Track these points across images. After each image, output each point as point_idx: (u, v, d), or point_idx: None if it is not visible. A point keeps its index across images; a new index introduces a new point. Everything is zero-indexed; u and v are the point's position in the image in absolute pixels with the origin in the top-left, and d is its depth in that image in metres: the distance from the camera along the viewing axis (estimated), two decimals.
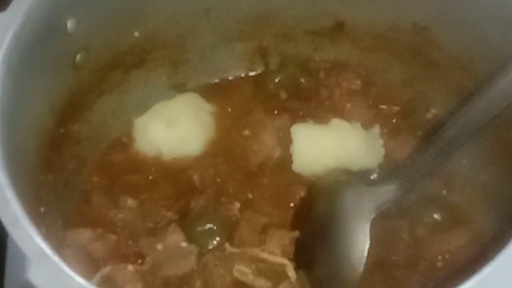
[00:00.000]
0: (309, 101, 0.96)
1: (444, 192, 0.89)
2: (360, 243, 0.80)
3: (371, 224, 0.81)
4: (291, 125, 0.93)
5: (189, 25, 0.93)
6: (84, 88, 0.86)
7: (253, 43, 0.98)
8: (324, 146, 0.90)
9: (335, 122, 0.92)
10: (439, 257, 0.83)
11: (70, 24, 0.78)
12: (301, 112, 0.95)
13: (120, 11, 0.84)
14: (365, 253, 0.79)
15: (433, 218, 0.86)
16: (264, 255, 0.81)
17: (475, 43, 0.82)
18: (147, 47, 0.91)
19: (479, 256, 0.79)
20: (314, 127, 0.92)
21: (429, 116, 0.94)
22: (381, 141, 0.92)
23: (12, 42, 0.69)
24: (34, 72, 0.74)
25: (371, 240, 0.80)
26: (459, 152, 0.81)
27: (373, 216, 0.81)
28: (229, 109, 0.97)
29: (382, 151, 0.91)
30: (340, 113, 0.94)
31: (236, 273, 0.80)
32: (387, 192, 0.81)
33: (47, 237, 0.60)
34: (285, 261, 0.81)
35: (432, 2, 0.84)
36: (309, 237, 0.84)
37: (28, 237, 0.59)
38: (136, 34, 0.89)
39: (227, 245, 0.83)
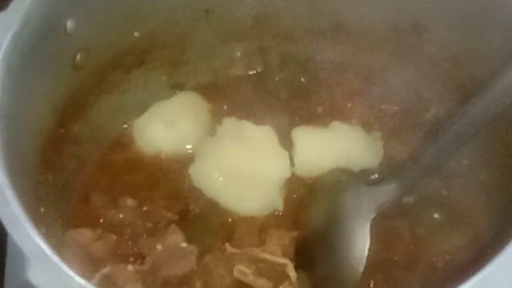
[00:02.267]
0: (309, 100, 0.97)
1: (444, 192, 0.89)
2: (360, 243, 0.80)
3: (371, 224, 0.81)
4: (291, 124, 0.93)
5: (189, 25, 0.93)
6: (84, 88, 0.86)
7: (253, 43, 0.98)
8: (325, 148, 0.90)
9: (335, 124, 0.92)
10: (439, 257, 0.83)
11: (70, 24, 0.78)
12: (301, 112, 0.96)
13: (120, 11, 0.84)
14: (365, 253, 0.79)
15: (433, 218, 0.86)
16: (265, 255, 0.81)
17: (475, 43, 0.82)
18: (147, 47, 0.91)
19: (479, 256, 0.79)
20: (314, 130, 0.92)
21: (429, 116, 0.94)
22: (381, 143, 0.92)
23: (12, 42, 0.69)
24: (34, 72, 0.74)
25: (371, 240, 0.80)
26: (459, 152, 0.81)
27: (373, 216, 0.81)
28: (229, 108, 0.97)
29: (381, 153, 0.91)
30: (341, 113, 0.95)
31: (236, 274, 0.80)
32: (387, 192, 0.82)
33: (47, 237, 0.60)
34: (285, 261, 0.81)
35: (432, 2, 0.85)
36: (309, 237, 0.84)
37: (28, 237, 0.59)
38: (136, 34, 0.89)
39: (227, 245, 0.83)
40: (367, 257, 0.80)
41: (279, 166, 0.89)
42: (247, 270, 0.80)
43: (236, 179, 0.87)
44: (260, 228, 0.86)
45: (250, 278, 0.79)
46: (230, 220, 0.87)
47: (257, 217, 0.87)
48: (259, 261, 0.81)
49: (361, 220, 0.81)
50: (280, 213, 0.88)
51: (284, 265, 0.81)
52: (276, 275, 0.81)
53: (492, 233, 0.83)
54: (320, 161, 0.90)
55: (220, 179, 0.88)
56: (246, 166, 0.88)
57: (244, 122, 0.91)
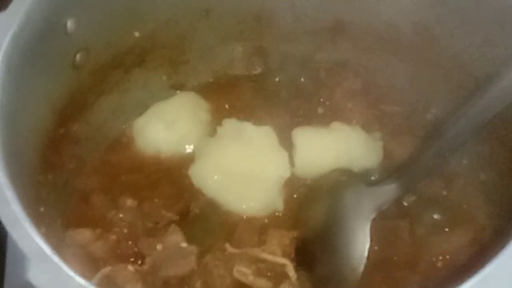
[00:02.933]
0: (309, 100, 0.97)
1: (444, 192, 0.89)
2: (360, 243, 0.80)
3: (371, 224, 0.81)
4: (291, 124, 0.93)
5: (189, 25, 0.93)
6: (84, 88, 0.86)
7: (253, 43, 0.98)
8: (325, 149, 0.90)
9: (336, 125, 0.92)
10: (439, 257, 0.83)
11: (70, 24, 0.78)
12: (301, 112, 0.96)
13: (120, 11, 0.84)
14: (366, 253, 0.79)
15: (433, 218, 0.86)
16: (265, 255, 0.82)
17: (475, 43, 0.82)
18: (147, 47, 0.91)
19: (479, 256, 0.80)
20: (314, 130, 0.92)
21: (429, 116, 0.94)
22: (381, 143, 0.92)
23: (12, 42, 0.69)
24: (34, 72, 0.74)
25: (371, 240, 0.80)
26: (459, 152, 0.81)
27: (373, 216, 0.81)
28: (229, 109, 0.97)
29: (381, 153, 0.91)
30: (341, 113, 0.95)
31: (236, 274, 0.80)
32: (387, 192, 0.82)
33: (47, 237, 0.60)
34: (285, 261, 0.81)
35: (432, 2, 0.85)
36: (309, 237, 0.84)
37: (28, 237, 0.59)
38: (136, 34, 0.89)
39: (227, 245, 0.83)
40: (367, 257, 0.80)
41: (279, 166, 0.89)
42: (247, 271, 0.80)
43: (236, 179, 0.87)
44: (260, 228, 0.86)
45: (250, 279, 0.79)
46: (230, 220, 0.87)
47: (257, 217, 0.87)
48: (259, 261, 0.81)
49: (361, 220, 0.81)
50: (280, 213, 0.88)
51: (284, 265, 0.81)
52: (276, 275, 0.81)
53: (492, 233, 0.83)
54: (320, 161, 0.90)
55: (221, 179, 0.88)
56: (246, 166, 0.88)
57: (244, 123, 0.92)
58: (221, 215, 0.87)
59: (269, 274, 0.81)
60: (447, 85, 0.90)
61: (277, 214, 0.88)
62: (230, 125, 0.92)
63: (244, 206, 0.87)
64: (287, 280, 0.80)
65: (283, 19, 0.95)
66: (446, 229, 0.85)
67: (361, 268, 0.79)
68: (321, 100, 0.97)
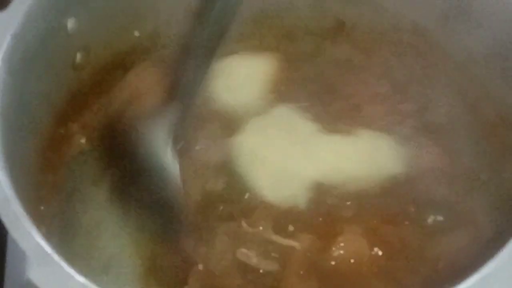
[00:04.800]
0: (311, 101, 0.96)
1: (444, 192, 0.89)
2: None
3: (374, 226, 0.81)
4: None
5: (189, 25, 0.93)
6: (84, 88, 0.86)
7: (253, 43, 0.98)
8: (349, 156, 0.89)
9: (359, 131, 0.91)
10: (440, 257, 0.83)
11: (70, 24, 0.78)
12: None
13: (120, 10, 0.85)
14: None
15: (433, 219, 0.86)
16: (275, 237, 0.81)
17: (475, 44, 0.82)
18: (147, 47, 0.91)
19: (479, 256, 0.80)
20: (338, 137, 0.91)
21: (430, 117, 0.94)
22: (403, 148, 0.91)
23: (12, 42, 0.69)
24: (34, 72, 0.74)
25: (370, 240, 0.80)
26: (459, 152, 0.81)
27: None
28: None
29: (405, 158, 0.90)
30: (341, 113, 0.94)
31: (240, 256, 0.79)
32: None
33: (47, 236, 0.60)
34: (295, 243, 0.81)
35: (432, 3, 0.85)
36: None
37: (28, 236, 0.59)
38: (136, 33, 0.89)
39: (243, 223, 0.82)
40: (367, 257, 0.80)
41: (310, 164, 0.87)
42: (251, 253, 0.79)
43: (269, 164, 0.87)
44: (278, 216, 0.85)
45: (254, 261, 0.79)
46: (251, 203, 0.85)
47: (278, 206, 0.85)
48: (269, 243, 0.80)
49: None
50: (301, 210, 0.87)
51: (293, 247, 0.80)
52: (282, 256, 0.80)
53: (492, 233, 0.83)
54: (344, 167, 0.89)
55: (255, 161, 0.87)
56: (282, 155, 0.87)
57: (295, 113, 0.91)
58: (243, 195, 0.86)
59: (276, 255, 0.80)
60: (448, 86, 0.90)
61: (297, 209, 0.86)
62: (280, 112, 0.91)
63: (267, 192, 0.86)
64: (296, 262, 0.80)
65: (283, 19, 0.95)
66: (447, 230, 0.85)
67: None
68: (321, 100, 0.96)
